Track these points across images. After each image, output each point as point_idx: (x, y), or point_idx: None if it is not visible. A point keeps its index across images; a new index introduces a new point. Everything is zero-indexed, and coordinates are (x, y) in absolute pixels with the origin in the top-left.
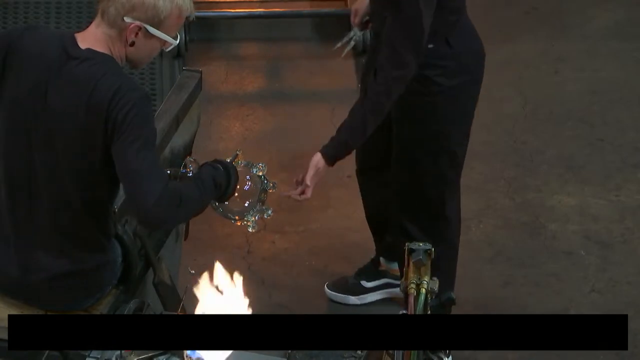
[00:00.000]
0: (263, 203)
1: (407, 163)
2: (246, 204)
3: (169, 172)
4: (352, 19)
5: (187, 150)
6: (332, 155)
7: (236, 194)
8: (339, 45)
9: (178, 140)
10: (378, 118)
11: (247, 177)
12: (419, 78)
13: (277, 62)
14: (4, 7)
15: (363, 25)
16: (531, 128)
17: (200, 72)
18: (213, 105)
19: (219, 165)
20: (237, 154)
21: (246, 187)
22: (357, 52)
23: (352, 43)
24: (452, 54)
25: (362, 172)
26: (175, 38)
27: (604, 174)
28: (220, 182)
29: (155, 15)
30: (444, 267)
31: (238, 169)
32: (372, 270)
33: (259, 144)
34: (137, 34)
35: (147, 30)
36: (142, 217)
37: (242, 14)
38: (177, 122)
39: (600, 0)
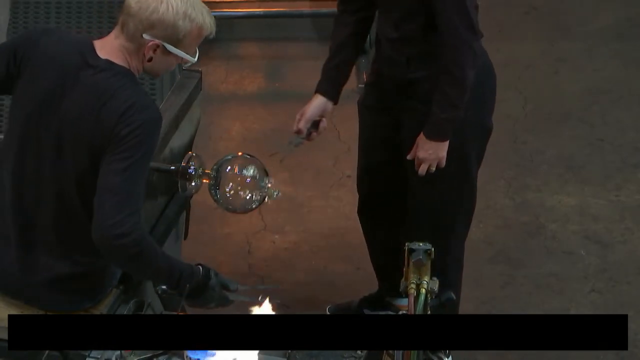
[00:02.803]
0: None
1: (422, 183)
2: (247, 197)
3: (172, 168)
4: (296, 125)
5: (187, 150)
6: (442, 133)
7: (239, 188)
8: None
9: (178, 140)
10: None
11: (248, 170)
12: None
13: (277, 62)
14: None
15: (308, 133)
16: (531, 128)
17: (200, 72)
18: (213, 105)
19: (192, 271)
20: (237, 155)
21: (248, 181)
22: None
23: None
24: None
25: (363, 213)
26: (193, 55)
27: (604, 174)
28: (181, 280)
29: (174, 34)
30: (450, 279)
31: (239, 161)
32: (376, 301)
33: (259, 144)
34: (155, 50)
35: (165, 48)
36: (95, 231)
37: (242, 14)
38: (177, 122)
39: (600, 0)
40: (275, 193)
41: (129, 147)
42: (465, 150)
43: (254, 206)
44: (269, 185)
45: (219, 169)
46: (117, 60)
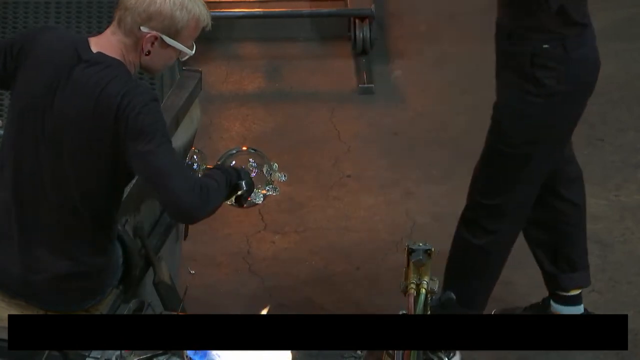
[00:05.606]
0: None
1: (491, 153)
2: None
3: None
4: None
5: (187, 150)
6: None
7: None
8: None
9: (178, 140)
10: None
11: (252, 162)
12: (529, 78)
13: (277, 62)
14: (4, 7)
15: None
16: None
17: (200, 72)
18: (213, 105)
19: (222, 168)
20: (241, 148)
21: (253, 175)
22: (357, 52)
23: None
24: (566, 59)
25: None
26: (191, 48)
27: (604, 174)
28: (231, 178)
29: (171, 26)
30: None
31: (241, 156)
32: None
33: (259, 144)
34: (153, 43)
35: (163, 40)
36: (177, 211)
37: (242, 14)
38: (177, 122)
39: (600, 0)
40: (282, 177)
41: (147, 131)
42: (541, 132)
43: (261, 200)
44: (274, 179)
45: (223, 164)
46: (112, 54)
